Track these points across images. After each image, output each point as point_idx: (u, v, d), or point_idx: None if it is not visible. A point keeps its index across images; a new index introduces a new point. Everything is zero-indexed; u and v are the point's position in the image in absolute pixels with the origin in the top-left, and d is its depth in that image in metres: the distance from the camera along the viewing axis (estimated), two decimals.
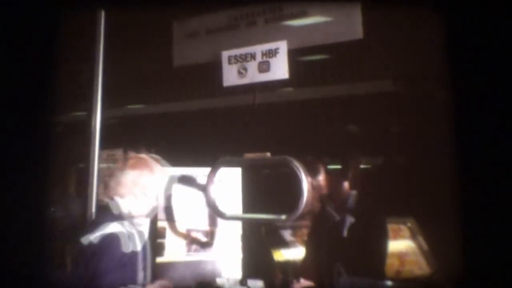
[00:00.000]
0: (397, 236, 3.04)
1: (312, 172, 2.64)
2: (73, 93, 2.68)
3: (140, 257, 2.21)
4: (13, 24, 1.73)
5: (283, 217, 2.23)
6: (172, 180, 2.60)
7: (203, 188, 2.53)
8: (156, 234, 2.54)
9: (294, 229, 3.40)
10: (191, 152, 2.63)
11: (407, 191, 4.02)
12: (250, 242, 2.80)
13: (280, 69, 2.48)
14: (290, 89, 5.81)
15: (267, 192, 3.65)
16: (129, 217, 2.21)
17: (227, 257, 2.70)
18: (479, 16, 1.51)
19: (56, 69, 1.86)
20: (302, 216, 2.32)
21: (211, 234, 2.70)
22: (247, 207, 2.76)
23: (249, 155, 2.38)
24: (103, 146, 2.48)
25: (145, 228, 2.30)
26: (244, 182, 2.79)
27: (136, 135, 6.14)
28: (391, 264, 2.80)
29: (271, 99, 4.69)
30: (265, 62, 2.51)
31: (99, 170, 2.46)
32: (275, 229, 3.40)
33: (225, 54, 2.61)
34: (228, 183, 2.74)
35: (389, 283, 2.52)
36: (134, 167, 2.28)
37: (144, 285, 2.22)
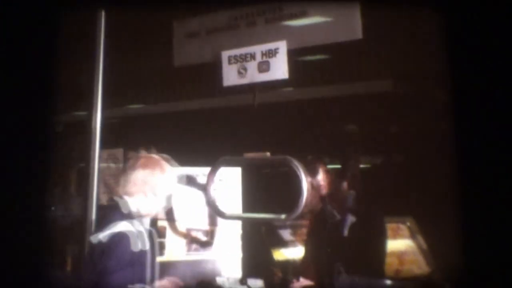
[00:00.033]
0: (396, 236, 3.04)
1: (312, 172, 2.65)
2: (74, 93, 2.68)
3: (148, 256, 2.22)
4: (13, 24, 1.74)
5: (283, 216, 2.23)
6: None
7: (203, 188, 2.53)
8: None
9: (294, 229, 3.41)
10: (191, 152, 2.63)
11: (407, 190, 4.03)
12: (250, 242, 2.81)
13: (280, 69, 2.48)
14: (290, 89, 5.81)
15: (267, 191, 3.65)
16: (138, 216, 2.23)
17: (227, 256, 2.70)
18: (479, 16, 1.51)
19: (56, 69, 1.86)
20: (301, 216, 2.32)
21: (211, 234, 2.71)
22: (247, 207, 2.77)
23: (249, 155, 2.38)
24: (103, 145, 2.48)
25: (149, 227, 2.31)
26: (244, 182, 2.80)
27: (136, 135, 6.14)
28: (391, 263, 2.81)
29: (271, 99, 4.69)
30: (265, 62, 2.51)
31: (100, 169, 2.46)
32: (275, 229, 3.41)
33: (225, 54, 2.61)
34: (228, 183, 2.74)
35: (388, 282, 2.53)
36: (145, 166, 2.29)
37: (152, 282, 2.23)
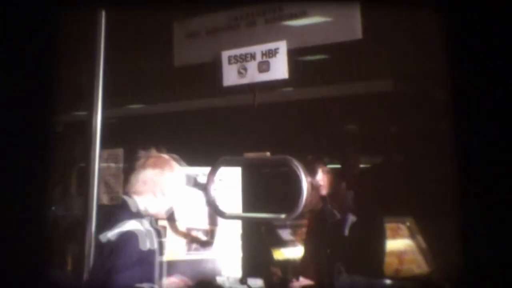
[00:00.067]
0: (396, 235, 3.04)
1: (312, 172, 2.65)
2: (74, 93, 2.68)
3: (157, 255, 2.22)
4: (13, 24, 1.74)
5: (283, 216, 2.24)
6: None
7: (203, 187, 2.53)
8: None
9: (294, 228, 3.41)
10: (191, 152, 2.63)
11: (407, 190, 4.03)
12: (250, 241, 2.81)
13: (280, 69, 2.48)
14: (290, 89, 5.81)
15: (267, 191, 3.65)
16: (147, 216, 2.23)
17: (227, 256, 2.71)
18: (479, 16, 1.51)
19: (56, 69, 1.86)
20: (301, 215, 2.33)
21: (211, 233, 2.71)
22: (247, 206, 2.77)
23: (249, 155, 2.38)
24: (103, 145, 2.48)
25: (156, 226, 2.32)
26: (244, 182, 2.80)
27: (136, 135, 6.14)
28: (390, 263, 2.81)
29: (271, 99, 4.69)
30: (265, 62, 2.51)
31: (100, 169, 2.46)
32: (275, 228, 3.41)
33: (225, 54, 2.61)
34: (228, 183, 2.75)
35: (388, 282, 2.53)
36: (155, 165, 2.30)
37: (160, 280, 2.24)
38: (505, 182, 1.46)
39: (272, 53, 2.49)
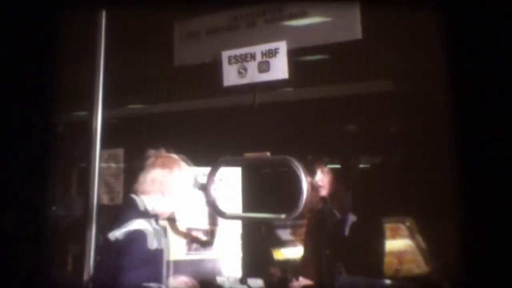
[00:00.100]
0: (396, 235, 3.04)
1: (312, 172, 2.65)
2: (74, 93, 2.69)
3: (164, 254, 2.22)
4: (14, 24, 1.74)
5: (283, 216, 2.24)
6: None
7: (203, 188, 2.54)
8: None
9: (294, 228, 3.41)
10: (191, 152, 2.63)
11: (406, 190, 4.03)
12: (250, 241, 2.81)
13: (279, 69, 2.48)
14: (290, 89, 5.81)
15: (267, 191, 3.65)
16: (154, 215, 2.24)
17: (227, 256, 2.71)
18: (479, 16, 1.52)
19: (57, 69, 1.86)
20: (301, 215, 2.33)
21: (211, 233, 2.71)
22: (247, 206, 2.77)
23: (249, 155, 2.39)
24: (104, 145, 2.48)
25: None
26: (244, 182, 2.80)
27: (137, 135, 6.14)
28: (390, 263, 2.81)
29: (271, 99, 4.69)
30: (265, 62, 2.51)
31: (100, 169, 2.46)
32: (275, 228, 3.41)
33: (225, 54, 2.62)
34: (228, 183, 2.75)
35: (388, 281, 2.53)
36: (164, 165, 2.30)
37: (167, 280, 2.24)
38: (505, 182, 1.46)
39: (272, 53, 2.50)
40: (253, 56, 2.55)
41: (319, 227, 2.72)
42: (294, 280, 2.64)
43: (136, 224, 2.13)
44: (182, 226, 2.66)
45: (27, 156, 1.74)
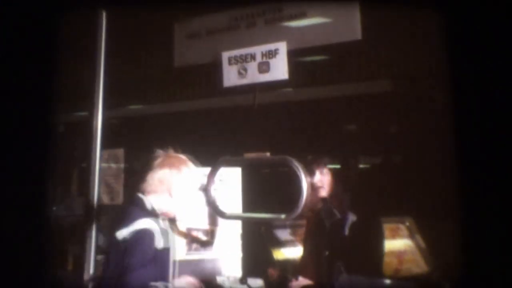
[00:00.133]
0: (395, 235, 3.04)
1: (312, 172, 2.65)
2: (75, 93, 2.69)
3: (171, 254, 2.22)
4: (14, 25, 1.74)
5: (283, 216, 2.24)
6: None
7: (203, 188, 2.54)
8: None
9: (294, 228, 3.41)
10: (191, 152, 2.63)
11: (406, 190, 4.03)
12: (250, 241, 2.81)
13: (279, 70, 2.48)
14: (290, 89, 5.81)
15: (266, 191, 3.65)
16: (161, 214, 2.24)
17: (227, 255, 2.71)
18: (479, 16, 1.52)
19: (57, 69, 1.86)
20: (301, 215, 2.32)
21: (211, 233, 2.71)
22: (247, 206, 2.77)
23: (249, 155, 2.39)
24: (104, 146, 2.49)
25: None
26: (244, 182, 2.80)
27: (137, 135, 6.14)
28: (390, 263, 2.81)
29: (271, 100, 4.69)
30: (265, 63, 2.52)
31: (101, 169, 2.47)
32: (274, 228, 3.41)
33: (225, 55, 2.62)
34: (228, 183, 2.75)
35: (387, 281, 2.53)
36: (172, 165, 2.31)
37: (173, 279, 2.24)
38: (505, 182, 1.46)
39: (272, 53, 2.50)
40: (253, 57, 2.55)
41: (319, 227, 2.72)
42: (293, 280, 2.63)
43: (144, 223, 2.14)
44: (182, 226, 2.66)
45: (27, 156, 1.74)
